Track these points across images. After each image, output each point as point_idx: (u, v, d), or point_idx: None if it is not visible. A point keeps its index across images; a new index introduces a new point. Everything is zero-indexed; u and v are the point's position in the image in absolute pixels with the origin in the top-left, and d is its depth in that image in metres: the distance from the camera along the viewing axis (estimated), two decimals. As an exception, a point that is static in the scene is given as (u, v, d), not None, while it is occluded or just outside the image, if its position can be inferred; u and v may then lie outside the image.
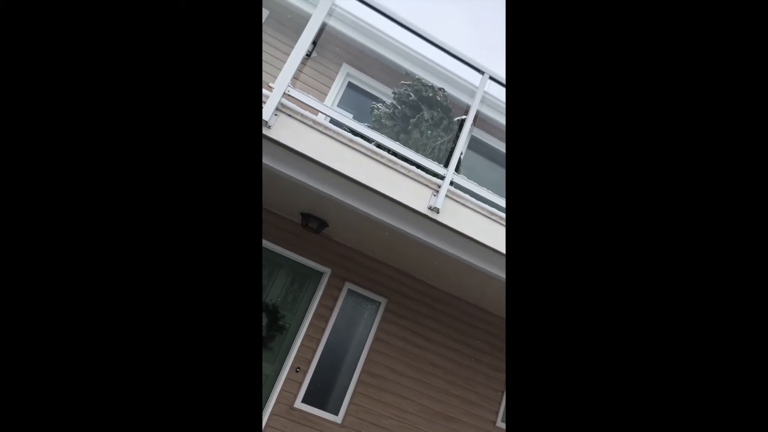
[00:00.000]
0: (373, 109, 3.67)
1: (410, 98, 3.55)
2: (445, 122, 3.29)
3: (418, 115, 3.42)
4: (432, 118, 3.41)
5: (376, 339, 4.23)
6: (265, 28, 4.45)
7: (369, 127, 3.02)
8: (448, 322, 4.42)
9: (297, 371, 3.97)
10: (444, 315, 4.42)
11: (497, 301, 4.25)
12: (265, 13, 4.46)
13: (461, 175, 2.94)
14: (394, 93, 3.70)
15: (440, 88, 3.67)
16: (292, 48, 2.71)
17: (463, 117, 3.08)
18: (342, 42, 4.54)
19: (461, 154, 2.95)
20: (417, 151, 3.04)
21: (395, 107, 3.58)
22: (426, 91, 3.55)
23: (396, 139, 3.15)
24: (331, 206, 3.38)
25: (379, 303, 4.31)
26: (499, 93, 4.18)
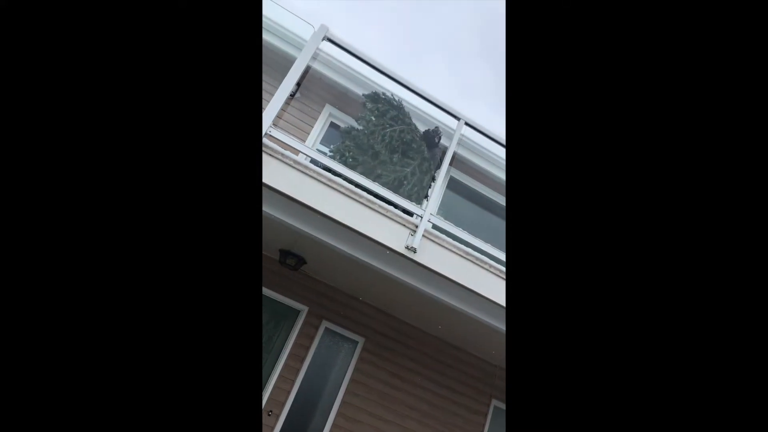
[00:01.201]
0: (346, 136, 3.51)
1: (391, 139, 3.59)
2: (425, 164, 3.35)
3: (395, 156, 3.44)
4: (412, 158, 3.44)
5: (352, 380, 4.13)
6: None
7: (341, 160, 3.06)
8: (426, 363, 4.36)
9: (269, 414, 3.83)
10: (422, 355, 4.37)
11: (476, 342, 4.24)
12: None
13: (439, 216, 3.00)
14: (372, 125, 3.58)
15: (425, 131, 3.74)
16: (276, 88, 2.79)
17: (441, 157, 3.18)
18: (325, 84, 4.68)
19: (439, 193, 3.02)
20: (395, 186, 3.09)
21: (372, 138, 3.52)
22: (407, 134, 3.60)
23: (371, 166, 3.18)
24: (310, 243, 3.39)
25: (357, 342, 4.25)
26: (475, 136, 4.33)
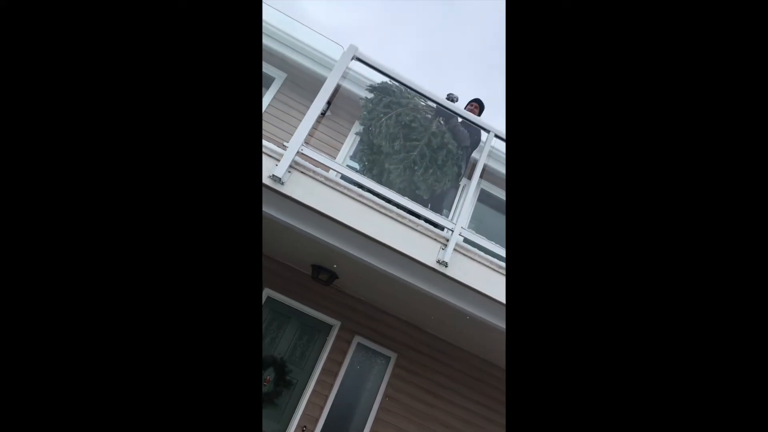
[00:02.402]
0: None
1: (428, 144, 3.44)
2: (435, 140, 3.19)
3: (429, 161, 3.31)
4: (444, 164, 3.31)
5: (385, 396, 4.10)
6: (282, 89, 4.73)
7: (360, 167, 3.00)
8: (460, 379, 4.28)
9: (303, 431, 3.84)
10: (456, 371, 4.30)
11: (498, 352, 4.13)
12: (282, 75, 4.75)
13: (469, 230, 2.98)
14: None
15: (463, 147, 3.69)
16: (308, 108, 2.88)
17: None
18: (354, 101, 4.77)
19: (470, 206, 2.99)
20: (407, 174, 3.01)
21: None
22: (405, 115, 3.31)
23: (380, 163, 3.12)
24: (341, 258, 3.42)
25: (389, 358, 4.23)
26: (500, 145, 4.29)
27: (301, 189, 2.72)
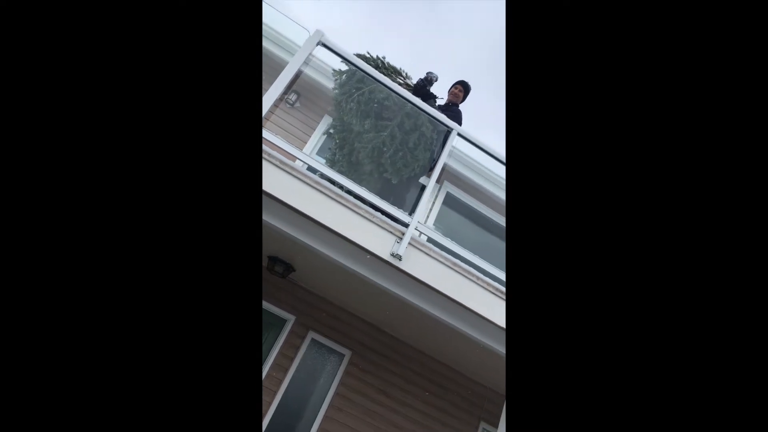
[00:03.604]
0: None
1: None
2: (408, 122, 3.09)
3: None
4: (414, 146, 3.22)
5: (336, 394, 4.01)
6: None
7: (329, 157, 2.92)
8: (414, 381, 4.23)
9: (248, 426, 3.71)
10: (411, 372, 4.25)
11: (467, 362, 4.11)
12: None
13: (425, 224, 2.94)
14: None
15: (416, 82, 3.57)
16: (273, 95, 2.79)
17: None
18: (326, 95, 4.71)
19: (428, 202, 2.96)
20: (375, 155, 2.90)
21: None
22: (379, 92, 3.20)
23: (350, 142, 2.97)
24: (298, 250, 3.33)
25: (344, 355, 4.14)
26: (472, 152, 4.30)
27: (255, 172, 2.63)
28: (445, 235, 3.21)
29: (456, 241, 3.05)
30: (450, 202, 5.00)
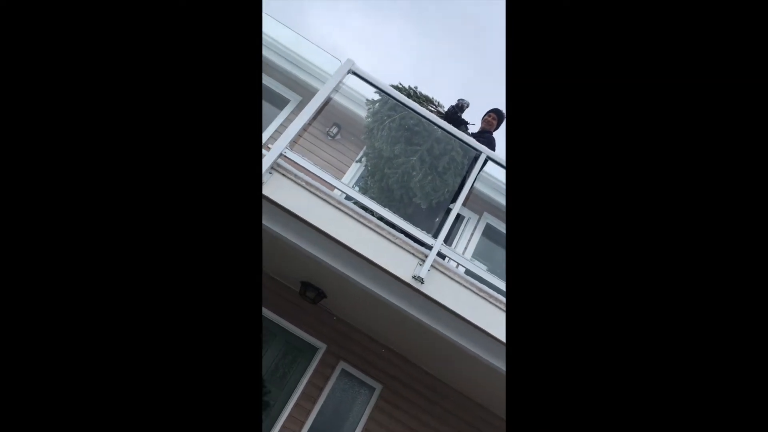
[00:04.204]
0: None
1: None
2: (438, 147, 3.08)
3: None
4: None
5: (365, 430, 3.84)
6: (296, 111, 4.87)
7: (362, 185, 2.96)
8: (447, 420, 3.97)
9: (273, 455, 3.62)
10: (443, 411, 3.99)
11: (497, 398, 3.80)
12: (297, 98, 4.92)
13: (449, 247, 2.85)
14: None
15: (448, 108, 3.58)
16: (318, 128, 2.91)
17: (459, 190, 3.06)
18: (364, 127, 4.84)
19: (449, 222, 2.88)
20: (404, 180, 2.89)
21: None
22: (409, 119, 3.20)
23: (381, 167, 2.96)
24: (329, 275, 3.32)
25: (374, 389, 3.99)
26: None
27: (282, 192, 2.70)
28: (487, 269, 3.09)
29: (496, 274, 2.91)
30: (490, 233, 4.83)
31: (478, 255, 4.79)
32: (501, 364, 2.85)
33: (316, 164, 2.91)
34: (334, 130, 4.84)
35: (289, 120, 4.77)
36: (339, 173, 4.73)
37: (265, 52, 4.70)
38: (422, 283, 2.65)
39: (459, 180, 3.20)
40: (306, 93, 4.90)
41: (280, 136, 2.78)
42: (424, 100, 3.61)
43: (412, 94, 3.56)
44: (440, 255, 2.78)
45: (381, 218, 2.83)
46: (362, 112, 4.75)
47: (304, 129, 2.87)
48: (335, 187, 3.04)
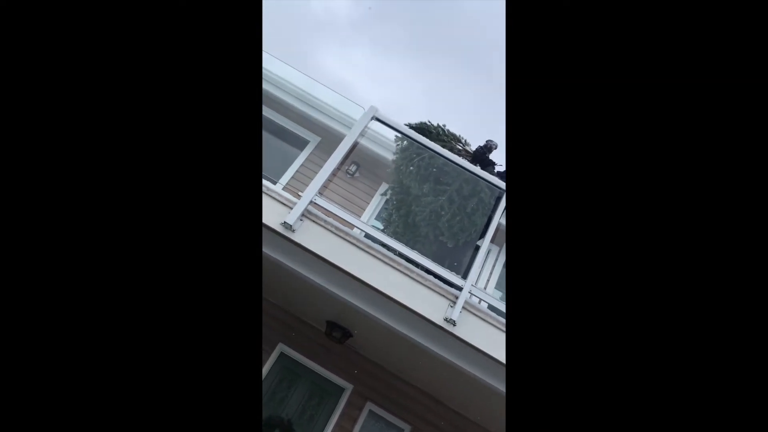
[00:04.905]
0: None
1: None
2: (466, 188, 3.13)
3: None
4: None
5: (395, 474, 3.76)
6: (316, 152, 5.00)
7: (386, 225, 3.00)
8: (478, 462, 3.87)
9: (303, 503, 3.55)
10: (474, 453, 3.90)
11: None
12: (316, 139, 5.05)
13: (481, 288, 2.86)
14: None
15: (476, 149, 3.62)
16: (336, 168, 2.99)
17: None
18: (382, 164, 4.94)
19: (481, 261, 2.90)
20: (433, 219, 2.93)
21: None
22: (438, 158, 3.23)
23: (407, 204, 3.00)
24: (355, 315, 3.34)
25: (403, 430, 3.93)
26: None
27: (311, 238, 2.76)
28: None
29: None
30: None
31: (500, 287, 4.77)
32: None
33: (343, 207, 2.98)
34: (353, 168, 4.94)
35: (309, 160, 4.89)
36: (358, 210, 4.80)
37: (281, 95, 4.86)
38: (454, 325, 2.65)
39: (486, 220, 3.24)
40: (324, 133, 5.03)
41: (310, 183, 2.86)
42: (452, 139, 3.69)
43: (441, 132, 3.65)
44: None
45: (409, 259, 2.86)
46: (379, 150, 4.86)
47: (334, 174, 2.95)
48: (361, 229, 3.09)
